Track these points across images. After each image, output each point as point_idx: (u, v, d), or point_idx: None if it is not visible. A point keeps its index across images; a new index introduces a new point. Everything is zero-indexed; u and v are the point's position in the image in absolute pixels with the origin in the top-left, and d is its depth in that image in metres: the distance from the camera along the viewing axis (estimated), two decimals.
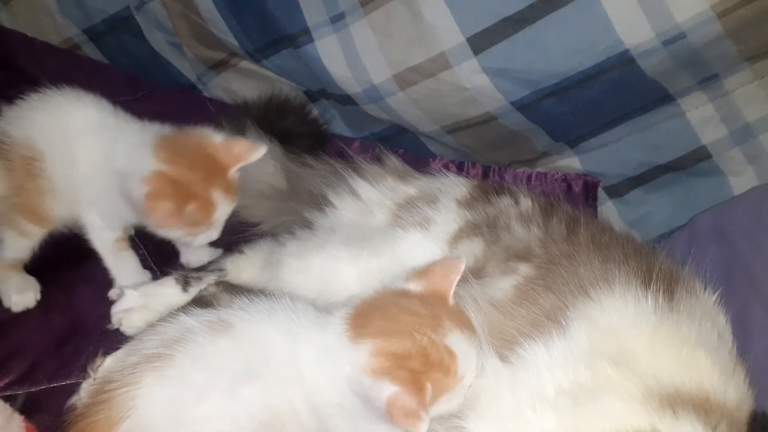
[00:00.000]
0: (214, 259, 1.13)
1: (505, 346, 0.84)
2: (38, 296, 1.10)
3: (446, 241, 0.99)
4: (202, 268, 1.11)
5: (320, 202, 1.11)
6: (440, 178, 1.10)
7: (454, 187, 1.07)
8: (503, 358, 0.83)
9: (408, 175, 1.12)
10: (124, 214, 1.06)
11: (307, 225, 1.09)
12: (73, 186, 1.07)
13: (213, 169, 1.01)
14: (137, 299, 1.05)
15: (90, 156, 1.06)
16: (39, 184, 1.07)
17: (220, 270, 1.09)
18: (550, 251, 0.94)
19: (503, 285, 0.91)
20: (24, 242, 1.10)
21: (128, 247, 1.14)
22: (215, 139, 1.04)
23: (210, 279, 1.08)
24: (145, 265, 1.16)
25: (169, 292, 1.07)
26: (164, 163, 0.99)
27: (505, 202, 1.04)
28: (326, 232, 1.07)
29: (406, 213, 1.03)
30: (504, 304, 0.89)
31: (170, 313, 1.00)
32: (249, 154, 1.03)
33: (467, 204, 1.03)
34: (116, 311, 1.05)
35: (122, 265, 1.12)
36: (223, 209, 1.02)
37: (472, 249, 0.97)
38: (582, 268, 0.89)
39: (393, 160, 1.15)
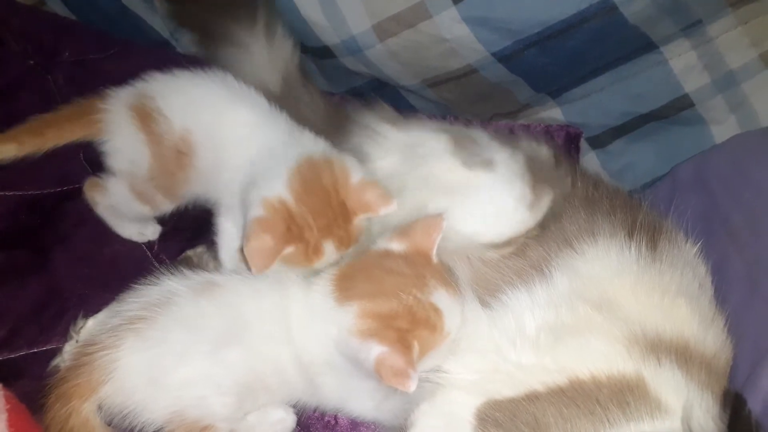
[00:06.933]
0: None
1: (487, 293, 0.86)
2: None
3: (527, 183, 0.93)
4: None
5: None
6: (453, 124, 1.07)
7: (479, 129, 1.03)
8: (485, 304, 0.84)
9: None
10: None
11: None
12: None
13: (337, 219, 0.90)
14: None
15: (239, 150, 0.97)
16: (186, 175, 1.00)
17: None
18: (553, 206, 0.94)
19: None
20: (148, 213, 1.06)
21: None
22: (353, 177, 0.92)
23: None
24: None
25: None
26: (292, 195, 0.89)
27: (525, 146, 1.01)
28: None
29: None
30: (494, 259, 0.90)
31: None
32: (379, 205, 0.90)
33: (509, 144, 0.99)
34: None
35: None
36: (328, 258, 0.91)
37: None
38: (567, 222, 0.89)
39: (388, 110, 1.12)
